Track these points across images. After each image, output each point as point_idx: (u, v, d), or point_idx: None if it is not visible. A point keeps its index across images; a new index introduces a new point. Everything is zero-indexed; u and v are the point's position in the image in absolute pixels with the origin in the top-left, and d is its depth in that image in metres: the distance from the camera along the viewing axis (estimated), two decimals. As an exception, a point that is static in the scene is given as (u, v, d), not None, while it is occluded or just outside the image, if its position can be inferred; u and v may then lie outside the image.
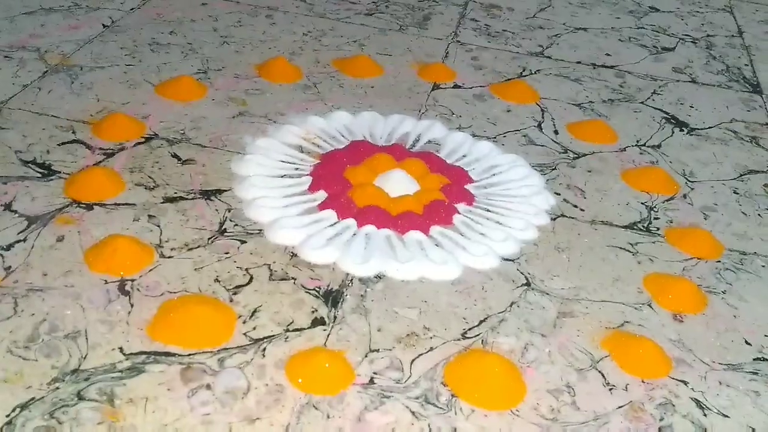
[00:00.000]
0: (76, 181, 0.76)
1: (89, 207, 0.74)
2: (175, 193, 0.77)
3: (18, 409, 0.55)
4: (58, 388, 0.57)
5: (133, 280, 0.67)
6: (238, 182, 0.80)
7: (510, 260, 0.74)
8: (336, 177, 0.82)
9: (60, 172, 0.78)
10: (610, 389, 0.62)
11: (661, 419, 0.60)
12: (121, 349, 0.60)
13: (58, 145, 0.82)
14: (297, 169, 0.84)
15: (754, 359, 0.67)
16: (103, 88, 0.92)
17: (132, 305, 0.64)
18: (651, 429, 0.59)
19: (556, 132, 0.95)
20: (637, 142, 0.95)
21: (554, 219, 0.80)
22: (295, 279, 0.69)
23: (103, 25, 1.06)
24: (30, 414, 0.54)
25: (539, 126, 0.96)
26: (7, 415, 0.54)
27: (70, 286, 0.65)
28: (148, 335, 0.62)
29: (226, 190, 0.79)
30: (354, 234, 0.75)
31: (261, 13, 1.15)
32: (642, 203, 0.84)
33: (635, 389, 0.62)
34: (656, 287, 0.72)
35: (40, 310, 0.63)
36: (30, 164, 0.78)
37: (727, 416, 0.61)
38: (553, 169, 0.88)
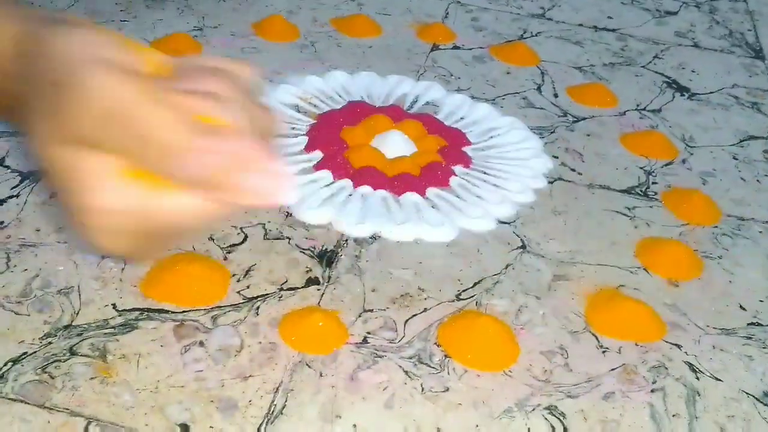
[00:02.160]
0: (69, 138, 0.75)
1: (83, 163, 0.73)
2: (170, 150, 0.77)
3: (10, 364, 0.54)
4: (50, 343, 0.56)
5: (126, 237, 0.66)
6: (233, 141, 0.79)
7: (506, 223, 0.74)
8: (332, 137, 0.81)
9: (54, 128, 0.77)
10: (604, 352, 0.62)
11: (654, 382, 0.60)
12: (114, 306, 0.60)
13: (52, 101, 0.81)
14: (293, 128, 0.83)
15: (748, 324, 0.67)
16: (98, 45, 0.91)
17: (125, 262, 0.64)
18: (643, 391, 0.59)
19: (555, 95, 0.94)
20: (638, 106, 0.94)
21: (552, 182, 0.80)
22: (290, 239, 0.69)
23: (98, -20, 1.05)
24: (22, 368, 0.54)
25: (539, 89, 0.95)
26: None
27: (63, 242, 0.65)
28: (142, 292, 0.62)
29: (221, 149, 0.78)
30: (350, 195, 0.75)
31: (259, -29, 1.13)
32: (640, 167, 0.83)
33: (629, 352, 0.62)
34: (652, 251, 0.72)
35: (33, 266, 0.62)
36: (23, 120, 0.78)
37: (719, 380, 0.61)
38: (551, 132, 0.87)
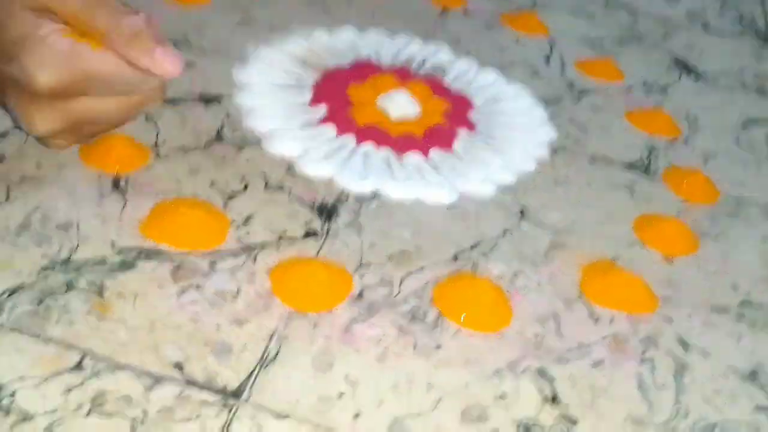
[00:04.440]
0: (74, 75, 0.75)
1: (87, 102, 0.73)
2: (175, 95, 0.76)
3: (6, 294, 0.54)
4: (47, 276, 0.56)
5: (127, 178, 0.66)
6: (238, 90, 0.79)
7: (507, 189, 0.74)
8: (338, 93, 0.81)
9: (58, 65, 0.76)
10: (596, 320, 0.63)
11: (643, 352, 0.61)
12: (112, 244, 0.60)
13: (58, 37, 0.80)
14: (299, 81, 0.82)
15: (740, 302, 0.67)
16: (106, -15, 0.90)
17: (126, 202, 0.64)
18: (632, 361, 0.60)
19: (563, 66, 0.94)
20: (644, 83, 0.94)
21: (554, 152, 0.80)
22: (291, 190, 0.69)
23: None
24: (18, 299, 0.54)
25: (547, 59, 0.94)
26: (-4, 299, 0.54)
27: (64, 179, 0.65)
28: (141, 233, 0.61)
29: (225, 96, 0.78)
30: (352, 151, 0.75)
31: None
32: (643, 144, 0.84)
33: (620, 322, 0.63)
34: (650, 227, 0.72)
35: (33, 200, 0.62)
36: (28, 54, 0.77)
37: (708, 354, 0.62)
38: (557, 103, 0.87)
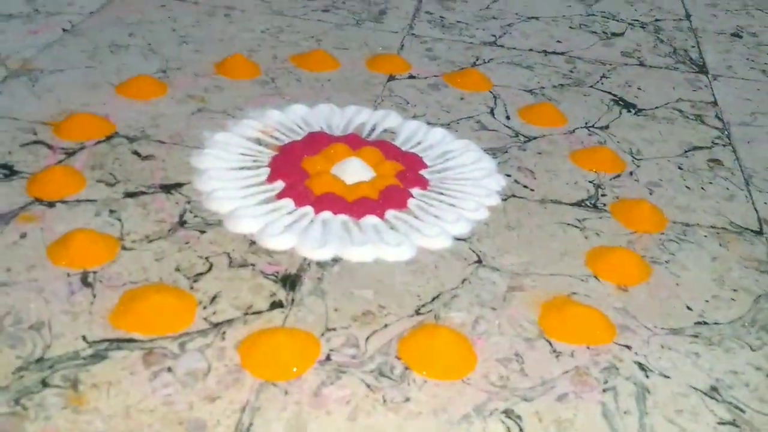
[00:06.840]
0: (37, 180, 0.78)
1: (51, 204, 0.76)
2: (136, 188, 0.79)
3: (-16, 398, 0.56)
4: (22, 376, 0.59)
5: (95, 272, 0.69)
6: (197, 176, 0.82)
7: (462, 240, 0.77)
8: (293, 167, 0.85)
9: (22, 173, 0.79)
10: (557, 356, 0.65)
11: (605, 382, 0.63)
12: (84, 338, 0.62)
13: (20, 146, 0.83)
14: (255, 161, 0.86)
15: (695, 323, 0.70)
16: (64, 91, 0.94)
17: (94, 296, 0.66)
18: (595, 391, 0.62)
19: (507, 117, 0.98)
20: (586, 124, 0.98)
21: (505, 199, 0.83)
22: (254, 265, 0.71)
23: (63, 29, 1.08)
24: (-4, 402, 0.56)
25: (491, 112, 0.99)
26: (-26, 404, 0.56)
27: (34, 280, 0.67)
28: (111, 324, 0.64)
29: (185, 184, 0.81)
30: (311, 221, 0.78)
31: (219, 13, 1.17)
32: (589, 182, 0.87)
33: (581, 355, 0.65)
34: (602, 259, 0.75)
35: (4, 304, 0.64)
36: (-8, 165, 0.80)
37: (668, 377, 0.64)
38: (504, 153, 0.91)
